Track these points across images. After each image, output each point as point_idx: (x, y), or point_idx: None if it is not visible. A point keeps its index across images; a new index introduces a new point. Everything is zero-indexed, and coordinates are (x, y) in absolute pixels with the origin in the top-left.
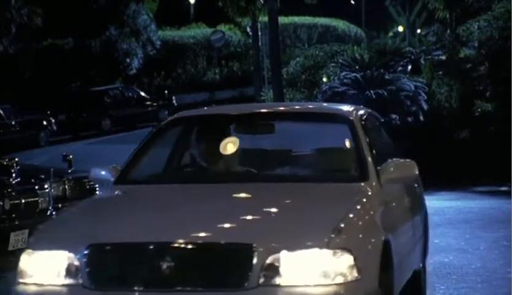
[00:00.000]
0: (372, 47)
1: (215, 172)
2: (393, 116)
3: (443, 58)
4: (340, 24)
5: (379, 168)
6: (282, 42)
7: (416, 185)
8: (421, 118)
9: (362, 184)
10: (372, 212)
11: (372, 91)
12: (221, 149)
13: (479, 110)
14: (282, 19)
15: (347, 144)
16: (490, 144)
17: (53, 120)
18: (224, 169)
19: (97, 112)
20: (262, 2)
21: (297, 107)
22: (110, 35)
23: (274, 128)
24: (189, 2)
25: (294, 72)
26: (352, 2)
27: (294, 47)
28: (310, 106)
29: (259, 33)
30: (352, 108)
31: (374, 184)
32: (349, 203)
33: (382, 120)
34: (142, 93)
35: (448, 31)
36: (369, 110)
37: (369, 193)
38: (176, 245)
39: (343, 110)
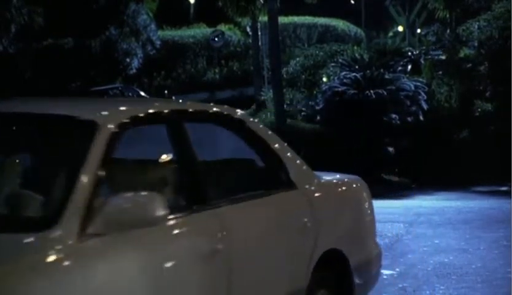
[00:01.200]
0: (372, 47)
1: None
2: (393, 116)
3: (443, 57)
4: (340, 24)
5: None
6: (282, 42)
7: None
8: (421, 118)
9: (33, 237)
10: None
11: (372, 91)
12: None
13: (479, 110)
14: (282, 19)
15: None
16: (490, 144)
17: None
18: None
19: None
20: (262, 2)
21: (43, 107)
22: (110, 35)
23: None
24: (189, 2)
25: (294, 72)
26: (352, 2)
27: (294, 47)
28: (54, 107)
29: (259, 33)
30: (127, 104)
31: (64, 235)
32: None
33: (239, 118)
34: (142, 93)
35: (448, 31)
36: (194, 104)
37: (34, 256)
38: None
39: (91, 112)
